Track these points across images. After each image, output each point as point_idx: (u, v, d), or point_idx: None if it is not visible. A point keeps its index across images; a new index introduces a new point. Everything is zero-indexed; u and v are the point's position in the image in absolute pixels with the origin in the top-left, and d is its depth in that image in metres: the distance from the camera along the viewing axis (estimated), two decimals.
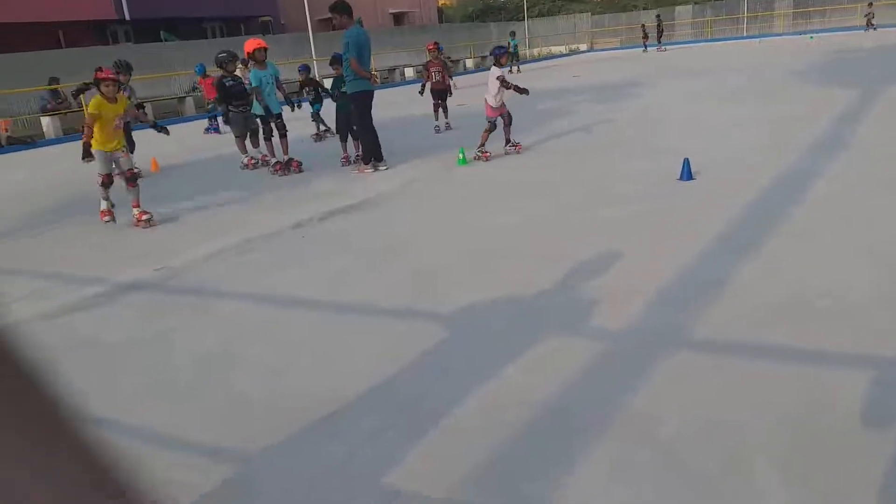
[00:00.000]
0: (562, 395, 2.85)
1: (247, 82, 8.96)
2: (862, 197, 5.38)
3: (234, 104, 9.02)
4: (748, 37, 37.09)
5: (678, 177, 6.45)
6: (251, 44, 8.33)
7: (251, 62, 8.47)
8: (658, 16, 33.54)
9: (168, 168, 10.12)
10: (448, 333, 3.63)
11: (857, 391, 2.66)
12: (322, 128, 11.75)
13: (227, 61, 9.01)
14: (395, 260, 4.97)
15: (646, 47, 31.74)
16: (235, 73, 9.29)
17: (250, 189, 8.00)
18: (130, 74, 9.06)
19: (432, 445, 2.58)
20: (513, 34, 25.67)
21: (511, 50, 23.03)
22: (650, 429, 2.55)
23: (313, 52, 21.89)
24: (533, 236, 5.19)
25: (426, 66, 11.69)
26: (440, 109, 11.39)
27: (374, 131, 8.26)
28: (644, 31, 31.99)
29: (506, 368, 3.12)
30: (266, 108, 8.44)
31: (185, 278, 4.93)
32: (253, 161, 9.34)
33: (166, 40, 22.94)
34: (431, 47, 11.76)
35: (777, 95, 12.31)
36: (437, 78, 11.32)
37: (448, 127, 11.44)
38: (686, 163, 6.45)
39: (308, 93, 11.30)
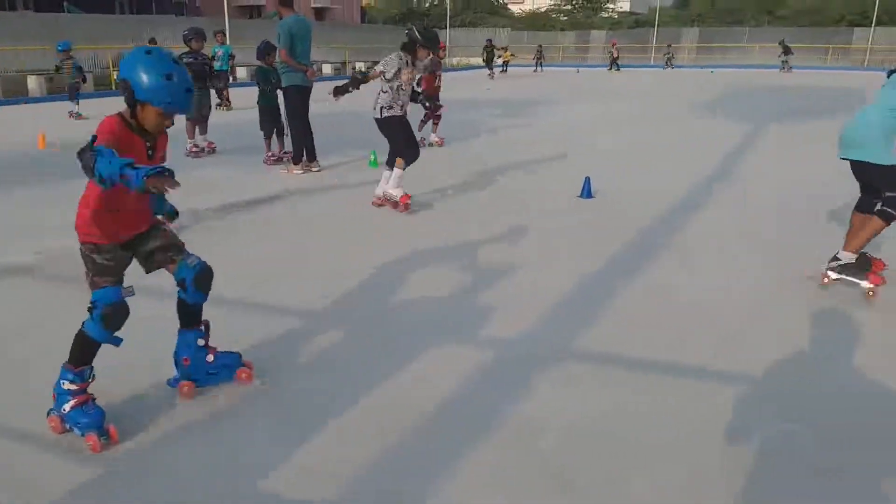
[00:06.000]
0: (446, 401, 2.89)
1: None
2: (740, 219, 5.77)
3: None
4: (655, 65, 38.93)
5: (578, 194, 6.68)
6: None
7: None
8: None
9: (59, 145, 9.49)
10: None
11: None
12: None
13: (191, 39, 8.66)
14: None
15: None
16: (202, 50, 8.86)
17: None
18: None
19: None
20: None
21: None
22: (532, 439, 2.63)
23: (227, 39, 21.21)
24: (433, 241, 5.23)
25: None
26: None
27: (309, 129, 7.82)
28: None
29: (394, 374, 3.13)
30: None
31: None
32: (196, 149, 8.98)
33: (69, 12, 21.58)
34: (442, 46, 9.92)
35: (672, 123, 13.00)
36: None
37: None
38: (587, 181, 6.68)
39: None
